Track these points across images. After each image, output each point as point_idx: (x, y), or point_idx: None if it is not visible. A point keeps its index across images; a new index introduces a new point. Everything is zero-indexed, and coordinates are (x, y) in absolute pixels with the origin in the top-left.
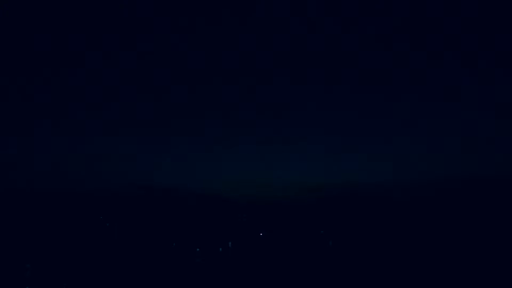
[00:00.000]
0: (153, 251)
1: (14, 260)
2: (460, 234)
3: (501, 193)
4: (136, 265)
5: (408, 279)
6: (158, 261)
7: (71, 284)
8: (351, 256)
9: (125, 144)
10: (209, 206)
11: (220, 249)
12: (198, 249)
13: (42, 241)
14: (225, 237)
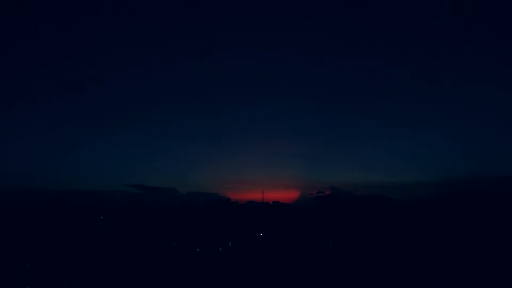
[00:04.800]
0: (153, 251)
1: (14, 260)
2: (463, 238)
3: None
4: (136, 265)
5: (409, 280)
6: (158, 261)
7: (71, 284)
8: (351, 256)
9: (124, 145)
10: (209, 206)
11: (220, 249)
12: (198, 249)
13: (42, 241)
14: (225, 237)
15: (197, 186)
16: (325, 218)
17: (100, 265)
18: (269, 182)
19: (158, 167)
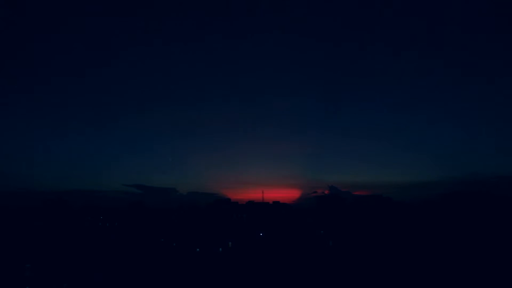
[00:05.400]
0: (153, 251)
1: (14, 260)
2: (463, 238)
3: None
4: (136, 265)
5: (409, 280)
6: (158, 261)
7: (71, 284)
8: (351, 256)
9: (124, 145)
10: (209, 206)
11: (220, 249)
12: (198, 249)
13: (42, 241)
14: (225, 237)
15: (197, 186)
16: (325, 218)
17: (100, 265)
18: (269, 182)
19: (158, 167)
